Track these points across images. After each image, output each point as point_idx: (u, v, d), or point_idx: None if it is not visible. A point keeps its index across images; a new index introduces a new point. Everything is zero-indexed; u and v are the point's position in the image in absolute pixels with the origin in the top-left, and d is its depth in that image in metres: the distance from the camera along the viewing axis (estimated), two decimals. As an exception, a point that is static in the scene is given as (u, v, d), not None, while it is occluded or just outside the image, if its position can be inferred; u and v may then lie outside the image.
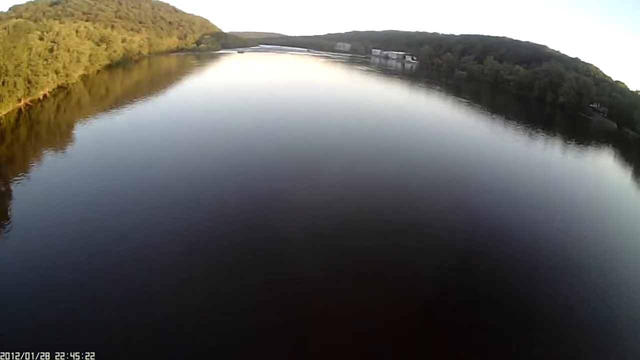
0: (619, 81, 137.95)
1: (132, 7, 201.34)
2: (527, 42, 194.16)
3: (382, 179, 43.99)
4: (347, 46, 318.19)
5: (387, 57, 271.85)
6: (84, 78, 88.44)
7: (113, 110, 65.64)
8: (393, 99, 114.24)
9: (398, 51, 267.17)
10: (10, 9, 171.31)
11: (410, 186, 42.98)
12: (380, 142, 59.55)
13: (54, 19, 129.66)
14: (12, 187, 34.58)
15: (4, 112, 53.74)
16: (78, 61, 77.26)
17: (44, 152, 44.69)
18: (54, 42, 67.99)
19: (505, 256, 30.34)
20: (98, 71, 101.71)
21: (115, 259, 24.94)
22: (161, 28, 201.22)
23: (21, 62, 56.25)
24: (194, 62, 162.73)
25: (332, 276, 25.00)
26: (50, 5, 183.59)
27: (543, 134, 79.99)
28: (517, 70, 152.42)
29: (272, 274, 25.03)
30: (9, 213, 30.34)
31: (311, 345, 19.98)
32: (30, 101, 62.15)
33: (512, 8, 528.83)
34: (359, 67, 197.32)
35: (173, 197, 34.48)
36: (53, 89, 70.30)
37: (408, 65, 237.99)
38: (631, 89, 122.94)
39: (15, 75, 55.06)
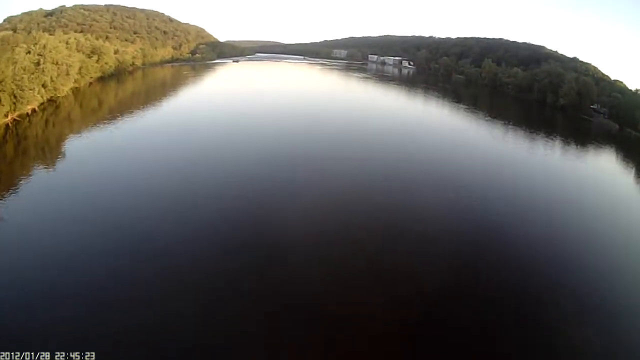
0: (617, 80, 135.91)
1: (126, 17, 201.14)
2: (525, 42, 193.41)
3: (380, 183, 43.72)
4: (344, 53, 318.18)
5: (384, 63, 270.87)
6: (75, 91, 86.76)
7: (103, 124, 63.88)
8: (390, 109, 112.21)
9: (395, 56, 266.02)
10: (5, 20, 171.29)
11: (411, 190, 42.76)
12: (376, 151, 57.77)
13: (48, 31, 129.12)
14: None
15: (-11, 128, 51.99)
16: (67, 74, 75.49)
17: (31, 168, 43.91)
18: (40, 55, 66.23)
19: (508, 257, 30.13)
20: (90, 83, 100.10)
21: (115, 258, 25.51)
22: (156, 38, 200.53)
23: (5, 77, 54.53)
24: (186, 72, 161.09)
25: (332, 276, 25.08)
26: (45, 16, 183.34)
27: (545, 138, 78.06)
28: (516, 72, 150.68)
29: (272, 274, 25.31)
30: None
31: (311, 345, 20.02)
32: (18, 116, 60.35)
33: (507, 9, 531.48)
34: (355, 74, 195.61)
35: (170, 198, 35.83)
36: (42, 103, 68.57)
37: (405, 71, 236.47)
38: (630, 87, 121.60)
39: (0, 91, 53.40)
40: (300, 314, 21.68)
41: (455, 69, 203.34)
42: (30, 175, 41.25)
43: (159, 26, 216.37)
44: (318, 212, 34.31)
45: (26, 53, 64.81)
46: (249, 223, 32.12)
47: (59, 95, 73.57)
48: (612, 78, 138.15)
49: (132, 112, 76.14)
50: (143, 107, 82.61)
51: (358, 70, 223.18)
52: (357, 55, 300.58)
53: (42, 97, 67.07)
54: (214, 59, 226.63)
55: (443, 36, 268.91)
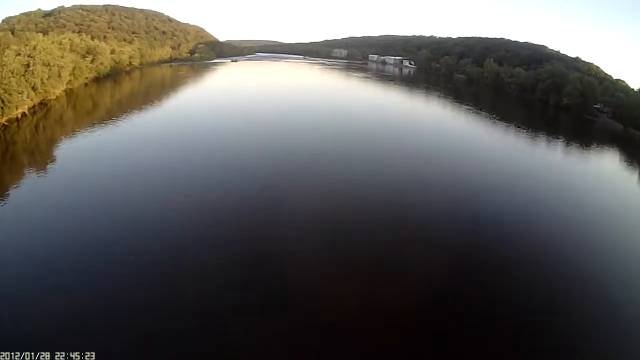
0: (619, 80, 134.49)
1: (125, 17, 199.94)
2: (526, 42, 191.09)
3: (384, 180, 44.04)
4: (344, 52, 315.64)
5: (384, 63, 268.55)
6: (69, 93, 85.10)
7: (96, 127, 62.12)
8: (391, 108, 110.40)
9: (395, 56, 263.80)
10: (3, 21, 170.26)
11: (414, 190, 42.72)
12: (379, 149, 57.09)
13: (46, 31, 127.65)
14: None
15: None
16: (59, 75, 73.76)
17: (19, 174, 43.11)
18: (30, 56, 64.57)
19: (508, 257, 30.01)
20: (85, 84, 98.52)
21: (115, 258, 25.57)
22: (154, 38, 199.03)
23: (-9, 81, 53.01)
24: (182, 72, 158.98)
25: (333, 275, 25.21)
26: (43, 17, 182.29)
27: (550, 139, 76.68)
28: (518, 72, 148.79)
29: (273, 274, 25.29)
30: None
31: (311, 343, 20.10)
32: (7, 121, 58.64)
33: (509, 8, 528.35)
34: (355, 74, 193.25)
35: (166, 196, 35.91)
36: (32, 107, 66.86)
37: (406, 70, 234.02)
38: (632, 87, 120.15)
39: (-15, 96, 51.88)
40: (301, 308, 21.94)
41: (456, 69, 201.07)
42: (18, 181, 40.42)
43: (158, 26, 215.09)
44: (318, 212, 34.45)
45: (16, 55, 63.14)
46: (249, 223, 32.21)
47: (50, 97, 71.90)
48: (615, 78, 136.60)
49: (127, 113, 74.40)
50: (139, 108, 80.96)
51: (358, 69, 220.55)
52: (358, 55, 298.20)
53: (32, 100, 65.34)
54: (213, 59, 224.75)
55: (444, 36, 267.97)
